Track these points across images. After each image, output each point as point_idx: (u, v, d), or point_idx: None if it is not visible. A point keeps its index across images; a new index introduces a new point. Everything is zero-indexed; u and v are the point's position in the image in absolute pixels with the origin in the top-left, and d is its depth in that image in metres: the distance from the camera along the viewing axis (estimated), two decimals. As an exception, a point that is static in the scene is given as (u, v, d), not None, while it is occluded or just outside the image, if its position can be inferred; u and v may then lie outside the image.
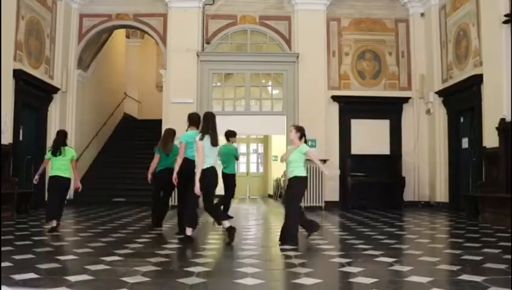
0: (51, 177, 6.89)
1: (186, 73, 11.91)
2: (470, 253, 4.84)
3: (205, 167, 5.70)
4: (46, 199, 8.43)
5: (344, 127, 12.10)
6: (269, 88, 13.57)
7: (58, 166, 6.78)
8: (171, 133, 7.37)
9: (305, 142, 5.91)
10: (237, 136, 9.30)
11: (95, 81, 13.94)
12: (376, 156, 11.80)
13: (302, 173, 5.79)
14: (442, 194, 11.38)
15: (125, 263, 4.30)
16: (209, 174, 5.72)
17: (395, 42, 12.49)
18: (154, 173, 7.24)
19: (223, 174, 8.70)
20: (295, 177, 5.78)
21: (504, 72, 8.36)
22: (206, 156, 5.71)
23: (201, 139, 5.70)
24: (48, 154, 6.92)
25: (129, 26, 13.32)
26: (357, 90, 12.24)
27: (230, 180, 8.82)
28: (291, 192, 5.83)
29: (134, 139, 14.99)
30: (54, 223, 6.69)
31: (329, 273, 4.09)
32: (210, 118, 5.92)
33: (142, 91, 19.36)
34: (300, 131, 5.89)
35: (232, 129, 8.95)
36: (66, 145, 6.95)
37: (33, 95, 10.50)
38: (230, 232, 5.57)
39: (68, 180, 6.96)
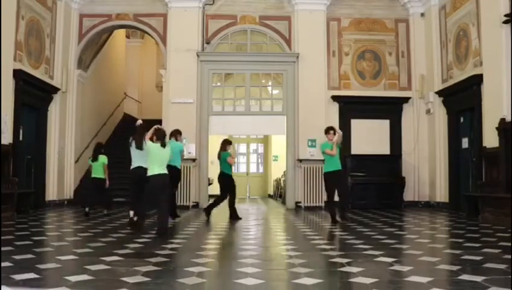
0: (91, 178, 9.34)
1: (186, 73, 11.91)
2: (470, 253, 4.84)
3: (131, 167, 7.19)
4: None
5: (344, 127, 12.07)
6: (269, 88, 13.56)
7: (95, 170, 9.22)
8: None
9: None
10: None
11: (95, 81, 13.95)
12: (376, 156, 11.80)
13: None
14: (442, 194, 11.38)
15: (125, 263, 4.30)
16: (132, 173, 7.13)
17: (395, 42, 12.49)
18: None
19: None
20: None
21: (504, 72, 8.36)
22: (132, 156, 7.15)
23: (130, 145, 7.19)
24: (89, 161, 9.54)
25: (129, 26, 13.31)
26: (357, 90, 12.24)
27: (327, 179, 8.30)
28: None
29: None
30: (105, 210, 9.19)
31: (330, 274, 4.09)
32: (137, 128, 7.21)
33: (142, 91, 19.38)
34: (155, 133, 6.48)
35: (329, 125, 8.96)
36: (101, 153, 9.30)
37: (33, 95, 10.50)
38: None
39: (101, 179, 9.29)
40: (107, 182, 9.41)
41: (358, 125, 12.08)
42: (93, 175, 9.25)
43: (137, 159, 7.11)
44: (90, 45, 12.95)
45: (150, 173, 6.25)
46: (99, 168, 9.16)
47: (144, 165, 6.80)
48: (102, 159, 9.28)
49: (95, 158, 9.21)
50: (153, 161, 6.26)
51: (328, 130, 8.35)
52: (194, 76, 11.94)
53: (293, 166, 11.91)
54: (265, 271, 4.08)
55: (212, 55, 12.18)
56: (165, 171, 6.32)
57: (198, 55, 11.97)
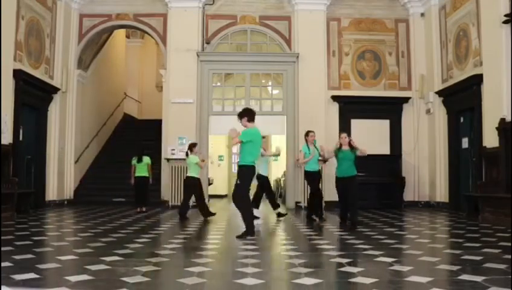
0: (135, 177, 10.15)
1: (186, 73, 11.91)
2: (470, 253, 4.84)
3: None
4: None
5: (344, 127, 12.07)
6: (269, 88, 13.56)
7: (139, 169, 10.12)
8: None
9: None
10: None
11: (95, 81, 13.95)
12: (376, 156, 11.76)
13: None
14: (442, 194, 11.38)
15: (125, 263, 4.30)
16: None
17: (395, 42, 12.49)
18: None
19: None
20: None
21: (504, 72, 8.36)
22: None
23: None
24: (133, 162, 10.21)
25: (129, 26, 13.32)
26: (357, 90, 12.24)
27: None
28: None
29: (134, 139, 14.98)
30: (141, 209, 9.98)
31: (330, 273, 4.09)
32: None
33: (142, 91, 19.37)
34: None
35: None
36: (144, 155, 10.21)
37: (33, 95, 10.50)
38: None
39: (146, 178, 10.23)
40: (151, 180, 10.40)
41: (358, 125, 12.06)
42: (137, 174, 10.13)
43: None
44: (90, 45, 12.95)
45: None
46: (144, 168, 10.11)
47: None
48: (146, 160, 10.26)
49: (140, 159, 10.13)
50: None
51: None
52: (194, 76, 11.94)
53: (293, 166, 11.91)
54: (265, 271, 4.08)
55: (212, 55, 12.18)
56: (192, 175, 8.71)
57: (198, 55, 11.97)
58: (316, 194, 8.42)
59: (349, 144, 7.67)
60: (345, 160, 7.66)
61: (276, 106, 12.34)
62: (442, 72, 11.49)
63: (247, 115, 6.36)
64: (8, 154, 9.06)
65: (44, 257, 4.70)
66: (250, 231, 6.14)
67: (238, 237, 6.07)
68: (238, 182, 6.25)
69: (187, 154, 9.13)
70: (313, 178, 8.53)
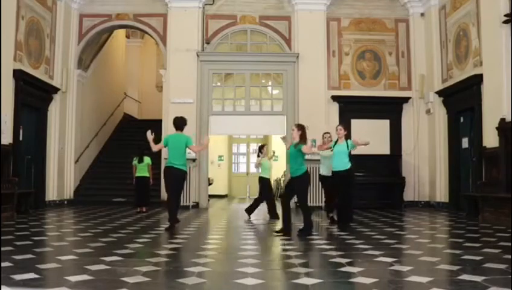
0: (136, 177, 10.28)
1: (186, 73, 11.91)
2: (470, 253, 4.84)
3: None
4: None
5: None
6: (269, 88, 13.56)
7: (140, 170, 10.25)
8: None
9: None
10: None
11: (95, 81, 13.94)
12: (376, 156, 11.78)
13: None
14: (442, 194, 11.38)
15: (125, 263, 4.30)
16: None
17: (395, 42, 12.49)
18: None
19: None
20: None
21: (504, 72, 8.37)
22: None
23: None
24: (134, 162, 10.38)
25: (129, 26, 13.32)
26: (357, 90, 12.25)
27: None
28: None
29: (134, 139, 14.98)
30: (141, 209, 10.05)
31: (330, 273, 4.09)
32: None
33: (142, 91, 19.37)
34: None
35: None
36: (144, 155, 10.31)
37: (33, 95, 10.50)
38: None
39: (147, 178, 10.29)
40: (151, 180, 10.44)
41: (358, 125, 12.03)
42: (138, 174, 10.27)
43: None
44: (90, 44, 12.95)
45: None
46: (145, 168, 10.27)
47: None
48: (147, 160, 10.40)
49: (141, 160, 10.28)
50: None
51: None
52: (194, 76, 11.95)
53: (293, 166, 11.88)
54: (265, 271, 4.08)
55: (212, 55, 12.18)
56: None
57: (198, 55, 11.97)
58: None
59: (301, 136, 6.39)
60: (289, 157, 6.66)
61: (276, 106, 12.34)
62: (442, 72, 11.49)
63: (173, 124, 7.32)
64: (8, 154, 9.06)
65: (44, 257, 4.70)
66: (169, 227, 6.92)
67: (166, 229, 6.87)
68: None
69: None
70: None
